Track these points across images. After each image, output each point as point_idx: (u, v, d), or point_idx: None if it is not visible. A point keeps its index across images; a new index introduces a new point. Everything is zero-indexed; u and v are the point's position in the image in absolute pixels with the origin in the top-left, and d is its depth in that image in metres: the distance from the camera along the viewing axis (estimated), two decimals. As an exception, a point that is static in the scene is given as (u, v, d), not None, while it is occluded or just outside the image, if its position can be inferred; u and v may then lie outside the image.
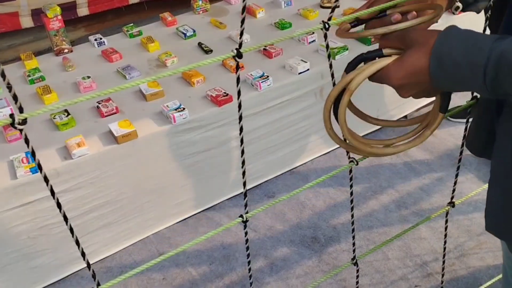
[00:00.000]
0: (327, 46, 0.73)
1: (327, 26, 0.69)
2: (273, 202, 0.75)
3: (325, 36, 0.71)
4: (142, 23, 2.45)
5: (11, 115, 0.50)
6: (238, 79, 0.67)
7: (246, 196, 0.70)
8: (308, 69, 1.90)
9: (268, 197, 1.96)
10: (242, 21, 0.58)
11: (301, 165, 2.09)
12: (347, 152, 0.80)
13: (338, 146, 2.16)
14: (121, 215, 1.73)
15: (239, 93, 0.66)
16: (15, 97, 0.49)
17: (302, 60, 1.92)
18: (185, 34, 2.19)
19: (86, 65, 2.05)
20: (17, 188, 1.48)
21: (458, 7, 0.84)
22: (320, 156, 2.13)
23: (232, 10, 2.42)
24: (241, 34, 0.62)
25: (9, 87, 0.49)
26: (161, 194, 1.78)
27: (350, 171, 0.81)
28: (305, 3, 2.39)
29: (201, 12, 2.41)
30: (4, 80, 0.48)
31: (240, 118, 0.68)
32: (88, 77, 1.91)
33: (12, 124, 0.50)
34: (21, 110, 0.51)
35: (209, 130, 1.76)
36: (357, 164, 0.78)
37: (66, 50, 2.14)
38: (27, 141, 0.52)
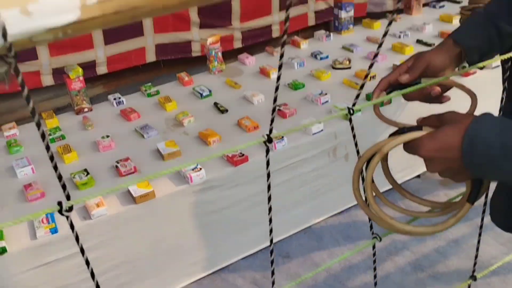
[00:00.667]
0: (352, 128, 0.76)
1: (352, 111, 0.71)
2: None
3: (350, 120, 0.73)
4: (159, 80, 2.53)
5: (59, 203, 0.52)
6: (267, 162, 0.69)
7: (273, 274, 0.71)
8: (322, 130, 1.94)
9: (283, 257, 1.94)
10: (272, 120, 0.61)
11: (315, 224, 2.09)
12: (370, 227, 0.81)
13: (351, 205, 2.18)
14: (136, 274, 1.72)
15: (268, 175, 0.69)
16: (64, 187, 0.52)
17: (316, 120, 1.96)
18: (201, 94, 2.25)
19: (105, 124, 2.11)
20: (37, 249, 1.49)
21: (464, 67, 0.90)
22: (334, 215, 2.13)
23: (247, 71, 2.50)
24: (272, 121, 0.65)
25: (56, 170, 0.52)
26: (176, 254, 1.78)
27: (373, 246, 0.81)
28: (317, 64, 2.46)
29: (216, 72, 2.49)
30: (52, 162, 0.51)
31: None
32: (107, 136, 1.96)
33: (60, 211, 0.53)
34: (68, 197, 0.53)
35: (224, 190, 1.78)
36: (380, 240, 0.79)
37: (86, 109, 2.21)
38: (72, 226, 0.55)
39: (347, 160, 2.07)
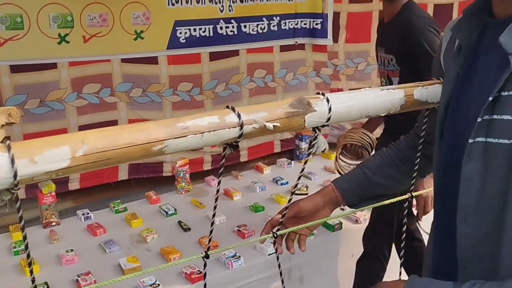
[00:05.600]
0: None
1: (276, 235, 0.88)
2: None
3: (274, 243, 0.90)
4: (129, 197, 2.66)
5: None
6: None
7: None
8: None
9: None
10: (209, 240, 0.77)
11: None
12: None
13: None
14: None
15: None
16: None
17: (272, 242, 2.09)
18: (166, 212, 2.39)
19: (71, 238, 2.19)
20: None
21: (343, 209, 1.14)
22: (289, 337, 2.16)
23: (212, 191, 2.68)
24: (209, 240, 0.80)
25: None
26: None
27: None
28: (278, 189, 2.67)
29: (183, 192, 2.66)
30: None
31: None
32: (72, 250, 2.04)
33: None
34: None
35: (181, 307, 1.84)
36: None
37: (54, 223, 2.30)
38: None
39: (302, 283, 2.17)
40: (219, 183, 0.74)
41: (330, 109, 0.69)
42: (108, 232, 2.24)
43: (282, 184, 2.73)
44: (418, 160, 1.00)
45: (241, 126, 0.63)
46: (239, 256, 1.99)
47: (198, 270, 1.90)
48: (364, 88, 0.83)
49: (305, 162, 0.84)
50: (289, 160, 3.08)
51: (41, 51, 2.52)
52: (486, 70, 0.79)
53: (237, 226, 2.22)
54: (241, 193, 2.59)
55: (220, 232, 2.20)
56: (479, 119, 0.75)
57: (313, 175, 2.82)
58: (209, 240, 0.83)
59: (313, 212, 1.13)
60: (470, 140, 0.77)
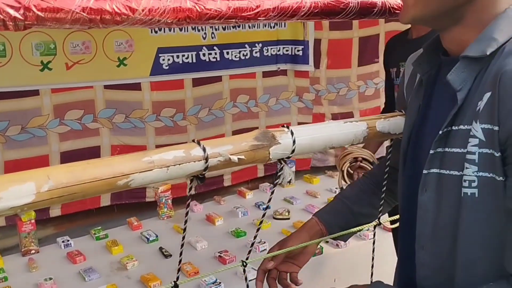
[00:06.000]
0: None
1: (245, 264, 0.90)
2: None
3: (243, 271, 0.91)
4: (111, 223, 2.64)
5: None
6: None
7: None
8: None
9: None
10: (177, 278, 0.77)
11: None
12: None
13: None
14: None
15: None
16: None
17: (252, 268, 2.09)
18: (148, 239, 2.38)
19: (50, 266, 2.16)
20: None
21: (327, 241, 1.19)
22: None
23: (195, 217, 2.67)
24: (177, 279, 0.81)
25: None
26: None
27: None
28: (260, 214, 2.68)
29: (165, 218, 2.66)
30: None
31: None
32: (50, 278, 2.01)
33: None
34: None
35: (160, 336, 1.82)
36: None
37: (33, 251, 2.27)
38: None
39: (284, 308, 2.16)
40: (186, 213, 0.76)
41: (294, 142, 0.72)
42: (88, 259, 2.22)
43: (264, 209, 2.74)
44: (385, 188, 1.04)
45: (206, 159, 0.65)
46: (220, 283, 1.98)
47: (178, 298, 1.89)
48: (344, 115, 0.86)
49: (272, 193, 0.85)
50: (271, 185, 3.10)
51: (24, 78, 2.53)
52: (441, 105, 0.84)
53: (219, 252, 2.21)
54: (223, 218, 2.59)
55: (201, 258, 2.20)
56: (431, 151, 0.80)
57: (295, 200, 2.83)
58: (178, 270, 0.83)
59: (301, 249, 1.16)
60: (425, 171, 0.81)
